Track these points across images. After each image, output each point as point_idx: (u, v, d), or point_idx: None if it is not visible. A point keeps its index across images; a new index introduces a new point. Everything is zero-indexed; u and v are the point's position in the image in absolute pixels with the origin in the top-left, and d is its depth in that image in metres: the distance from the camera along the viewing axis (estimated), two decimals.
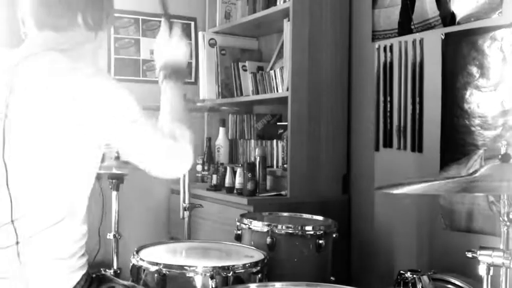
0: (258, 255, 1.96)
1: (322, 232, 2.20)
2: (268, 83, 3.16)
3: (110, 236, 2.60)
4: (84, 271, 1.41)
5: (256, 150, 3.04)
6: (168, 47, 1.65)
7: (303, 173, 2.84)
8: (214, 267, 1.77)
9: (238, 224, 2.30)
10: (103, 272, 1.60)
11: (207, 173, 3.49)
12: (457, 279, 1.99)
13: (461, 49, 2.39)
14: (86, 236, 1.43)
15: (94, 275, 1.48)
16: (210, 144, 3.56)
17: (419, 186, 1.37)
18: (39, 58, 1.34)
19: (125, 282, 1.62)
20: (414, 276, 1.90)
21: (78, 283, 1.38)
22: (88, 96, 1.31)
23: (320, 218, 2.41)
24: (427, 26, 2.54)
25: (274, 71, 3.11)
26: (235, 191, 2.98)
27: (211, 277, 1.75)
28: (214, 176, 3.19)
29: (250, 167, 2.89)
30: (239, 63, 3.45)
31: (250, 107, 3.64)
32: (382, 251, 2.79)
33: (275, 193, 2.92)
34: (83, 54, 1.44)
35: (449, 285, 2.00)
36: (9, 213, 1.29)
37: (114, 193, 2.57)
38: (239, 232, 2.28)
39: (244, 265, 1.83)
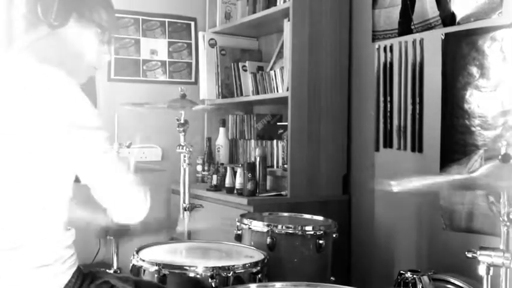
0: (258, 255, 1.95)
1: (322, 232, 2.20)
2: (268, 83, 3.16)
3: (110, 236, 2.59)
4: (74, 269, 1.41)
5: (256, 150, 3.03)
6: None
7: (303, 173, 2.84)
8: (214, 267, 1.77)
9: (238, 224, 2.30)
10: (96, 269, 1.59)
11: (207, 173, 3.49)
12: (457, 279, 1.99)
13: (461, 49, 2.38)
14: (72, 237, 1.43)
15: (87, 272, 1.48)
16: (210, 144, 3.56)
17: (420, 183, 1.37)
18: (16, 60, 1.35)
19: (118, 275, 1.62)
20: (414, 276, 1.90)
21: (69, 281, 1.38)
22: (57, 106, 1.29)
23: (320, 218, 2.41)
24: (427, 26, 2.54)
25: (274, 71, 3.11)
26: (235, 191, 2.98)
27: (211, 277, 1.75)
28: (215, 176, 3.19)
29: (250, 167, 2.89)
30: (239, 63, 3.45)
31: (250, 107, 3.64)
32: (382, 251, 2.79)
33: (275, 193, 2.92)
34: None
35: (449, 285, 2.00)
36: None
37: None
38: (239, 232, 2.28)
39: (244, 265, 1.83)
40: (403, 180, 1.40)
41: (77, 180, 1.38)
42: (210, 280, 1.74)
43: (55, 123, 1.29)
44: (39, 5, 1.36)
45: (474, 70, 2.34)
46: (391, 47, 2.73)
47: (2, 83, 1.32)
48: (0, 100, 1.31)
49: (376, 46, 2.81)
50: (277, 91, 3.07)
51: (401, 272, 1.94)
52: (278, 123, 3.38)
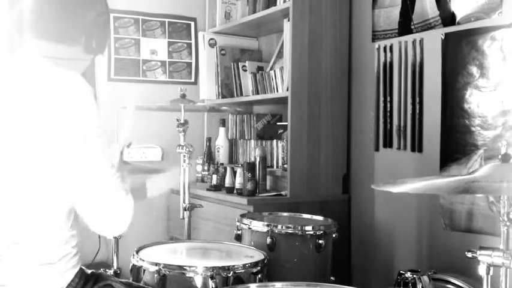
0: (258, 255, 1.96)
1: (322, 232, 2.20)
2: (268, 83, 3.16)
3: (110, 236, 2.59)
4: (76, 269, 1.42)
5: (256, 150, 3.03)
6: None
7: (303, 173, 2.84)
8: (214, 267, 1.77)
9: (238, 224, 2.30)
10: (100, 271, 1.59)
11: (207, 173, 3.49)
12: (457, 279, 1.99)
13: (461, 49, 2.38)
14: (75, 237, 1.43)
15: (90, 272, 1.49)
16: (210, 144, 3.56)
17: (419, 184, 1.37)
18: (32, 66, 1.35)
19: (122, 280, 1.62)
20: (414, 276, 1.90)
21: (72, 280, 1.39)
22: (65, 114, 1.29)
23: (320, 218, 2.41)
24: (427, 26, 2.54)
25: (274, 71, 3.11)
26: (235, 191, 2.98)
27: (211, 277, 1.75)
28: (214, 176, 3.19)
29: (250, 167, 2.89)
30: (239, 63, 3.45)
31: (250, 107, 3.64)
32: (382, 251, 2.79)
33: (275, 193, 2.92)
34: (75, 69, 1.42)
35: (449, 285, 2.00)
36: None
37: None
38: (239, 232, 2.28)
39: (244, 265, 1.83)
40: (401, 182, 1.40)
41: None
42: (210, 280, 1.74)
43: (58, 125, 1.29)
44: (85, 35, 1.44)
45: (474, 70, 2.34)
46: (391, 47, 2.73)
47: (12, 83, 1.32)
48: (7, 99, 1.31)
49: (376, 46, 2.81)
50: (277, 91, 3.07)
51: (401, 272, 1.94)
52: (278, 123, 3.38)
